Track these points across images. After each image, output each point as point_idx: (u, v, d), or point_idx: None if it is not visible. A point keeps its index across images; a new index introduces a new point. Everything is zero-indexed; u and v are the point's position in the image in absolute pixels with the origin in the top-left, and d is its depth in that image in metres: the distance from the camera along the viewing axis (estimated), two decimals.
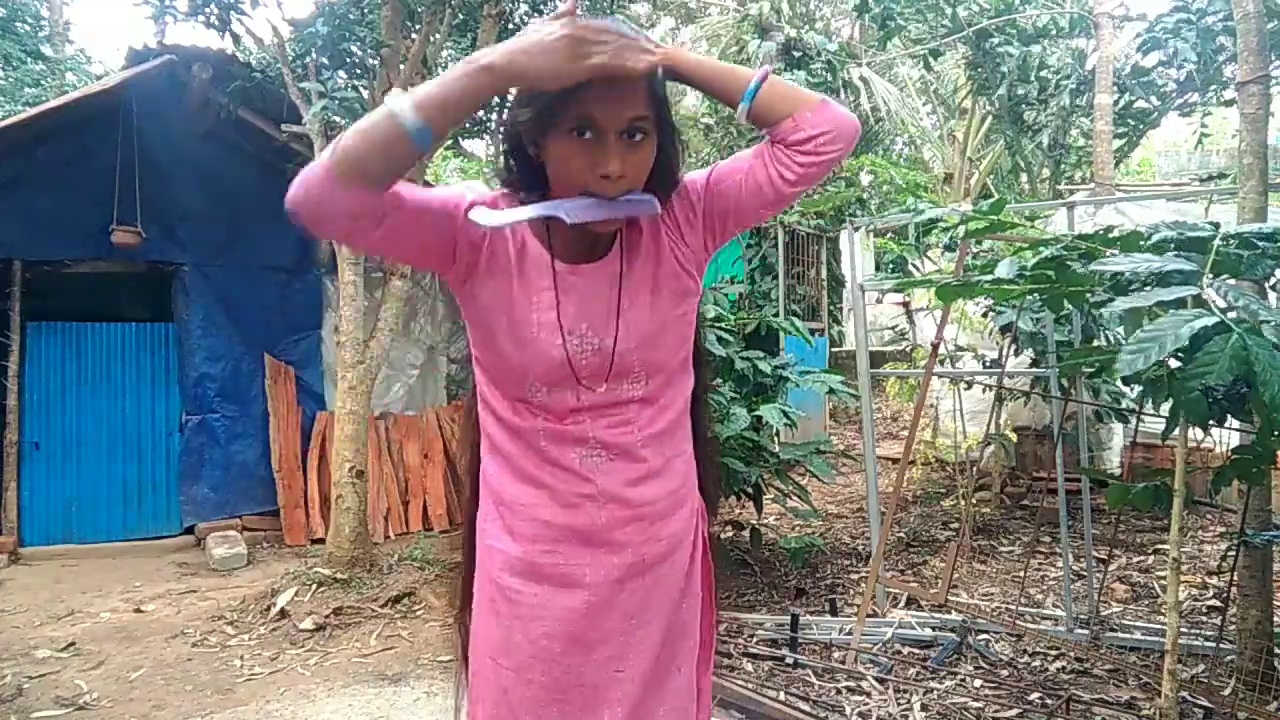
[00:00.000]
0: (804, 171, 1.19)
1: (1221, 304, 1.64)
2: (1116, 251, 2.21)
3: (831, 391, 4.53)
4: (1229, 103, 7.12)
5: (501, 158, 1.26)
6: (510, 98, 1.19)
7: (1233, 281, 1.82)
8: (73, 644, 4.06)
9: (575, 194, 1.13)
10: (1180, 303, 1.68)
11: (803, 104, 1.19)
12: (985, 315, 5.44)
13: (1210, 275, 1.75)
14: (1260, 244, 1.90)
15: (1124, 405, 4.38)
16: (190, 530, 6.19)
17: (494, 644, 1.27)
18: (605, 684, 1.24)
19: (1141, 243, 2.08)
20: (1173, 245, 1.96)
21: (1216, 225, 2.01)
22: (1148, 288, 1.82)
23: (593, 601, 1.23)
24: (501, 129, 1.29)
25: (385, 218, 1.08)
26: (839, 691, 3.02)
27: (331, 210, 1.04)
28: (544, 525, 1.23)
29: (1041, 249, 2.58)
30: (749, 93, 1.18)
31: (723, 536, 4.89)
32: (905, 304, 10.64)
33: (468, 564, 1.41)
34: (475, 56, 1.06)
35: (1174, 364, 1.81)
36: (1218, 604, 3.66)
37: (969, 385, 5.68)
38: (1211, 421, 2.15)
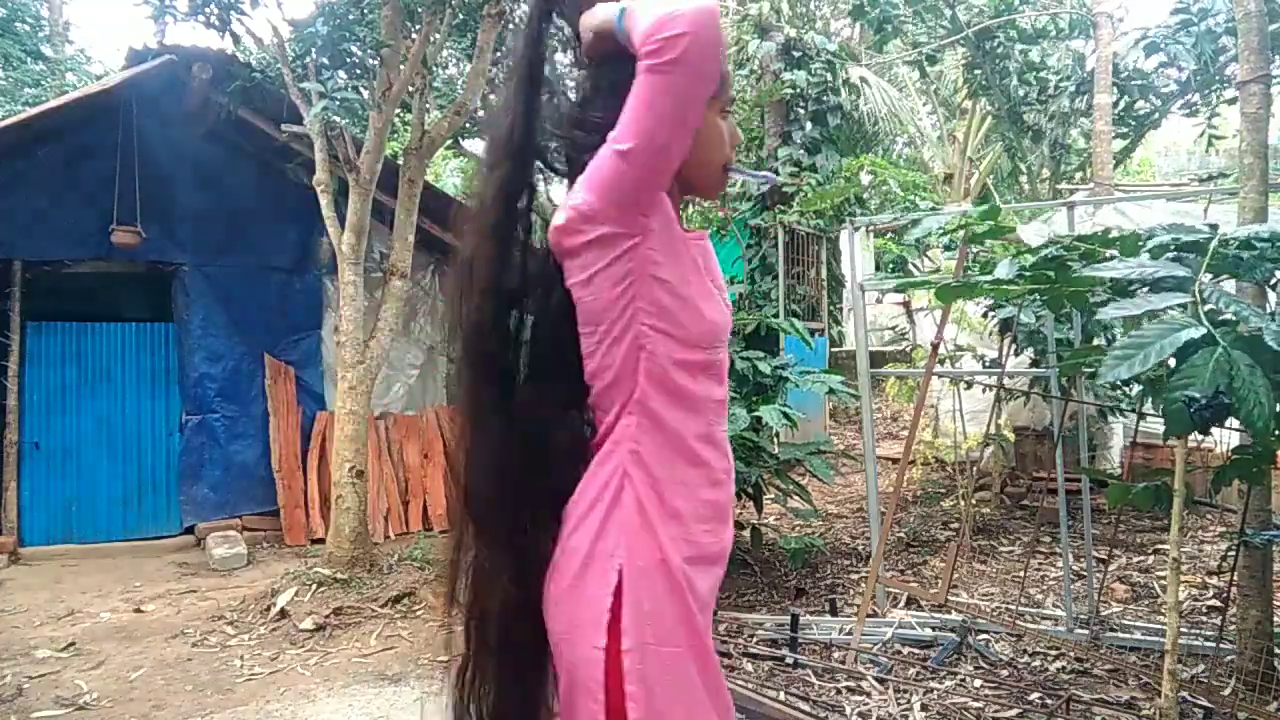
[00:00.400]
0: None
1: (1214, 308, 1.64)
2: (1115, 252, 2.21)
3: (831, 391, 4.53)
4: (1232, 101, 7.12)
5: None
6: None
7: (1232, 284, 1.82)
8: (73, 644, 4.05)
9: (716, 167, 1.23)
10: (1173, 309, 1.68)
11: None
12: (985, 315, 5.44)
13: (1206, 278, 1.75)
14: (1259, 245, 1.90)
15: (1123, 405, 4.38)
16: (190, 530, 6.19)
17: (681, 632, 1.21)
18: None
19: (1139, 244, 2.08)
20: (1172, 249, 1.96)
21: (1215, 227, 2.01)
22: (1143, 291, 1.83)
23: (720, 575, 1.29)
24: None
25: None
26: (839, 691, 3.02)
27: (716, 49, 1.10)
28: (704, 504, 1.25)
29: (1041, 249, 2.58)
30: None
31: None
32: (905, 304, 10.65)
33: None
34: None
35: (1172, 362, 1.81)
36: (1218, 604, 3.66)
37: (969, 385, 5.68)
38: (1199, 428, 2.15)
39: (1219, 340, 1.52)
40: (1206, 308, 1.63)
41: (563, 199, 1.23)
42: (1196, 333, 1.54)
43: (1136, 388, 3.20)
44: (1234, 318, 1.60)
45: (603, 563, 1.20)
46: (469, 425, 1.33)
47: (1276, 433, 2.11)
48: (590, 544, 1.22)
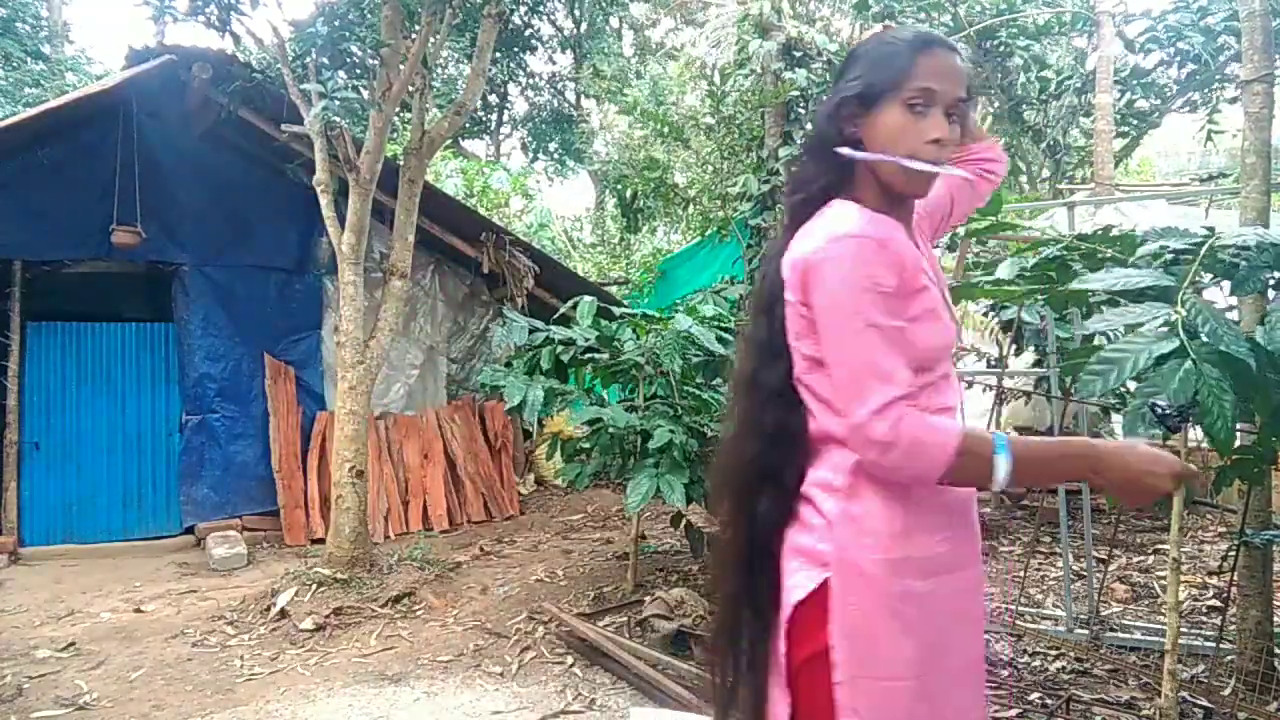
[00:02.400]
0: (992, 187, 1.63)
1: (1191, 321, 1.65)
2: (1115, 251, 2.21)
3: None
4: (1233, 100, 7.12)
5: (807, 155, 1.34)
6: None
7: (1218, 294, 1.83)
8: (73, 644, 4.05)
9: (898, 164, 1.24)
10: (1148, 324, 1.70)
11: None
12: (986, 314, 5.44)
13: (1191, 287, 1.77)
14: (1248, 256, 1.91)
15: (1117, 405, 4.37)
16: (190, 530, 6.19)
17: (911, 662, 1.18)
18: (980, 656, 1.30)
19: (1136, 247, 2.08)
20: (1169, 255, 1.96)
21: (1211, 230, 2.01)
22: (1127, 303, 1.84)
23: (973, 577, 1.28)
24: (812, 119, 1.33)
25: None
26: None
27: (914, 480, 1.18)
28: (931, 513, 1.23)
29: (1042, 249, 2.58)
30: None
31: None
32: None
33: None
34: (1088, 458, 1.16)
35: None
36: (1218, 604, 3.66)
37: (969, 385, 5.68)
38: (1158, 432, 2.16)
39: (1190, 353, 1.56)
40: (1183, 320, 1.65)
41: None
42: (1170, 345, 1.57)
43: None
44: (1207, 337, 1.62)
45: (810, 569, 1.24)
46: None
47: (1274, 438, 2.11)
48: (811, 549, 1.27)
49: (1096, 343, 3.62)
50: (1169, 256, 1.96)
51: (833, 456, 1.24)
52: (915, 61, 1.22)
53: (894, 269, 1.18)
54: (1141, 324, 1.65)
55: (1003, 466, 1.12)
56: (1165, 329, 1.61)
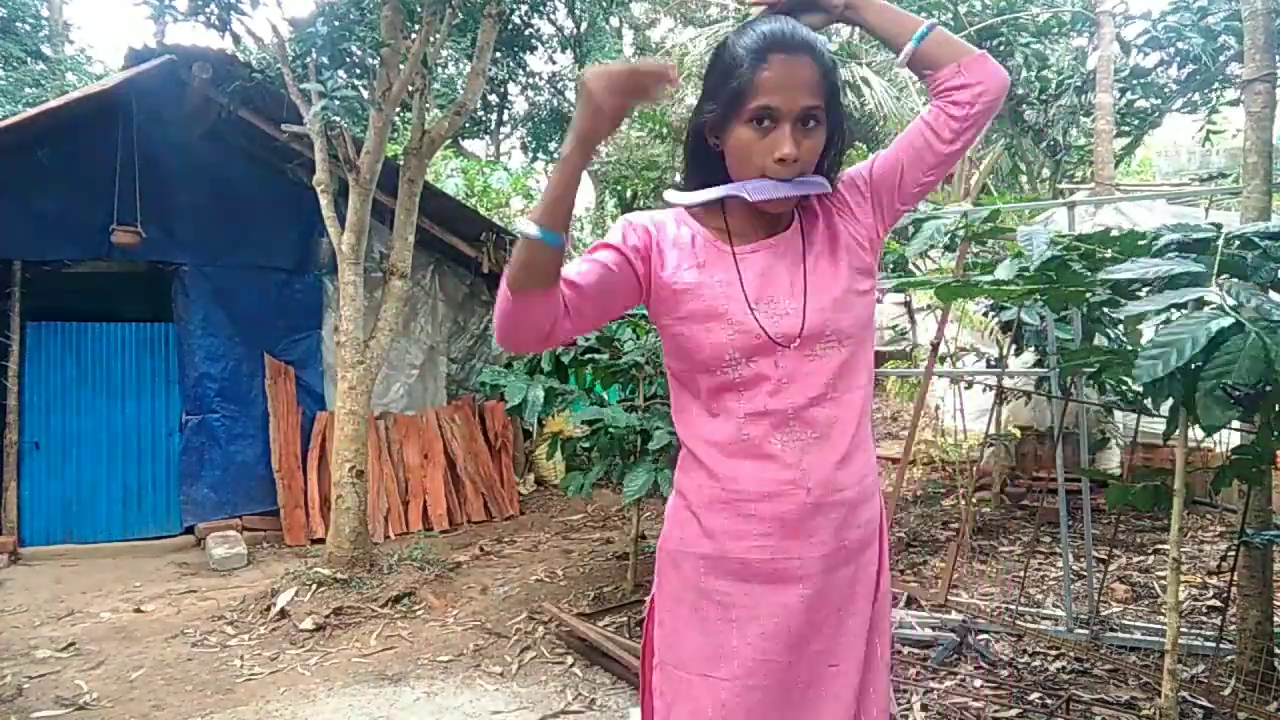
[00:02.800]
0: (960, 125, 1.28)
1: (1232, 303, 1.63)
2: (1115, 251, 2.21)
3: None
4: (1234, 103, 7.12)
5: (683, 156, 1.36)
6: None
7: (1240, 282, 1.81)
8: (73, 644, 4.05)
9: (753, 178, 1.23)
10: (1197, 302, 1.67)
11: (964, 53, 1.30)
12: (986, 314, 5.44)
13: (1217, 277, 1.75)
14: (1264, 244, 1.90)
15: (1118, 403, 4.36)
16: (190, 530, 6.19)
17: (703, 657, 1.23)
18: (819, 679, 1.24)
19: (1141, 244, 2.08)
20: (1175, 248, 1.96)
21: (1218, 226, 2.01)
22: (1153, 291, 1.82)
23: (806, 594, 1.23)
24: (684, 130, 1.37)
25: (571, 307, 1.18)
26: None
27: (529, 322, 1.16)
28: (752, 520, 1.23)
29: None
30: (918, 36, 1.30)
31: None
32: (906, 303, 10.63)
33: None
34: (564, 150, 1.16)
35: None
36: (1218, 604, 3.66)
37: (969, 385, 5.68)
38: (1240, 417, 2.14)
39: (1250, 327, 1.51)
40: (1230, 302, 1.63)
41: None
42: (1226, 321, 1.53)
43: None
44: (1256, 313, 1.59)
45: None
46: None
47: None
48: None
49: (1099, 341, 3.62)
50: (1174, 252, 1.96)
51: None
52: (754, 77, 1.19)
53: (634, 235, 1.28)
54: (1185, 304, 1.63)
55: (522, 221, 1.14)
56: (1213, 309, 1.58)
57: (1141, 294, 2.04)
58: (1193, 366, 1.60)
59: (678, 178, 1.37)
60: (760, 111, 1.19)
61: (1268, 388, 1.49)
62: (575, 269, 1.21)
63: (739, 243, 1.29)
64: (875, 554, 1.34)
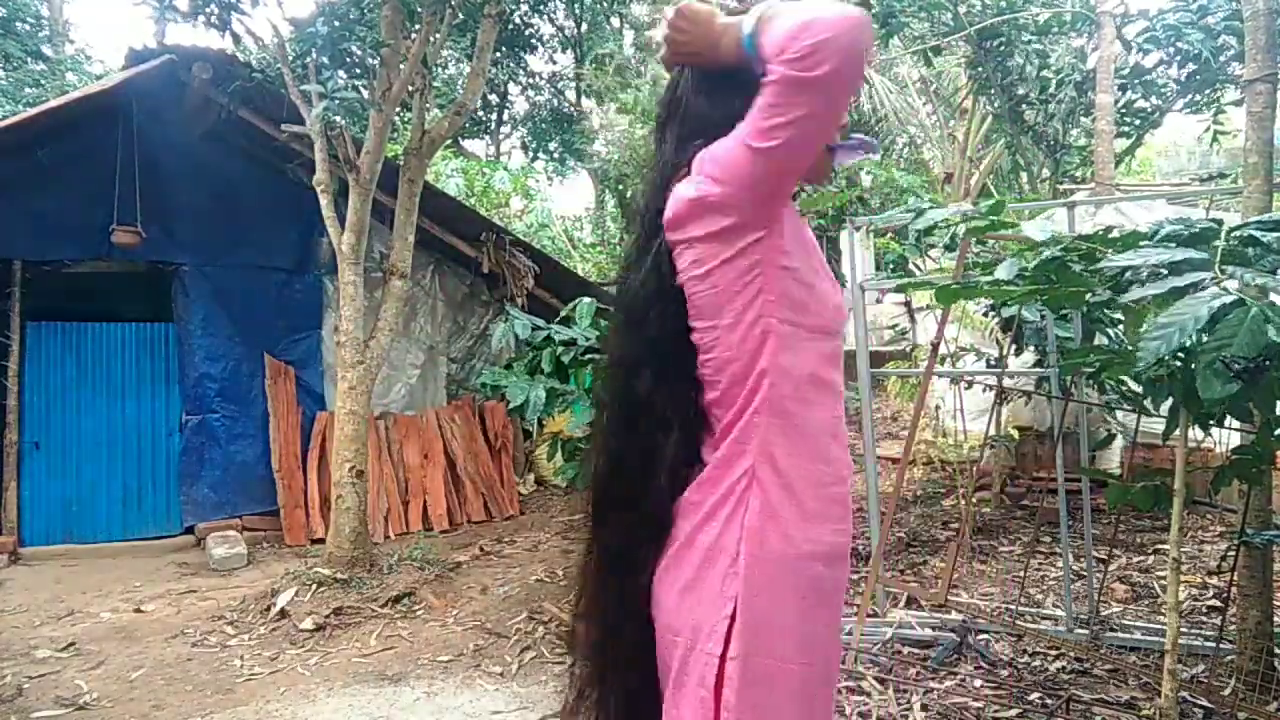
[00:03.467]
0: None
1: (1235, 285, 1.63)
2: (1116, 251, 2.20)
3: None
4: (1236, 102, 7.11)
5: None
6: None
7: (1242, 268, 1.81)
8: (73, 644, 4.06)
9: (821, 152, 1.25)
10: (1195, 289, 1.67)
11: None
12: (986, 314, 5.44)
13: (1220, 265, 1.74)
14: (1265, 237, 1.89)
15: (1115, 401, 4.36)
16: (190, 530, 6.19)
17: (793, 644, 1.18)
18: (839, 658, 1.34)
19: (1145, 240, 2.08)
20: (1177, 242, 1.95)
21: (1220, 222, 2.01)
22: (1158, 280, 1.81)
23: (847, 572, 1.29)
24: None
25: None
26: (839, 691, 3.02)
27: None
28: (837, 502, 1.24)
29: (1042, 250, 2.57)
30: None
31: None
32: (906, 303, 10.64)
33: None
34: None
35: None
36: (1218, 604, 3.66)
37: (969, 385, 5.68)
38: (1211, 421, 2.14)
39: (1251, 302, 1.51)
40: (1232, 283, 1.62)
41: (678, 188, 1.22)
42: (1228, 298, 1.53)
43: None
44: (1259, 291, 1.58)
45: (727, 562, 1.18)
46: (603, 426, 1.35)
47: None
48: (715, 540, 1.19)
49: (1099, 340, 3.63)
50: (1174, 245, 1.95)
51: (728, 446, 1.21)
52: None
53: None
54: (1188, 287, 1.62)
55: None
56: (1217, 289, 1.58)
57: (1140, 286, 2.03)
58: (1190, 348, 1.61)
59: None
60: None
61: (1267, 362, 1.48)
62: None
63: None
64: None
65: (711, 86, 1.25)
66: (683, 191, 1.20)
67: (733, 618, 1.16)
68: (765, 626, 1.17)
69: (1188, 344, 1.59)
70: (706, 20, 1.21)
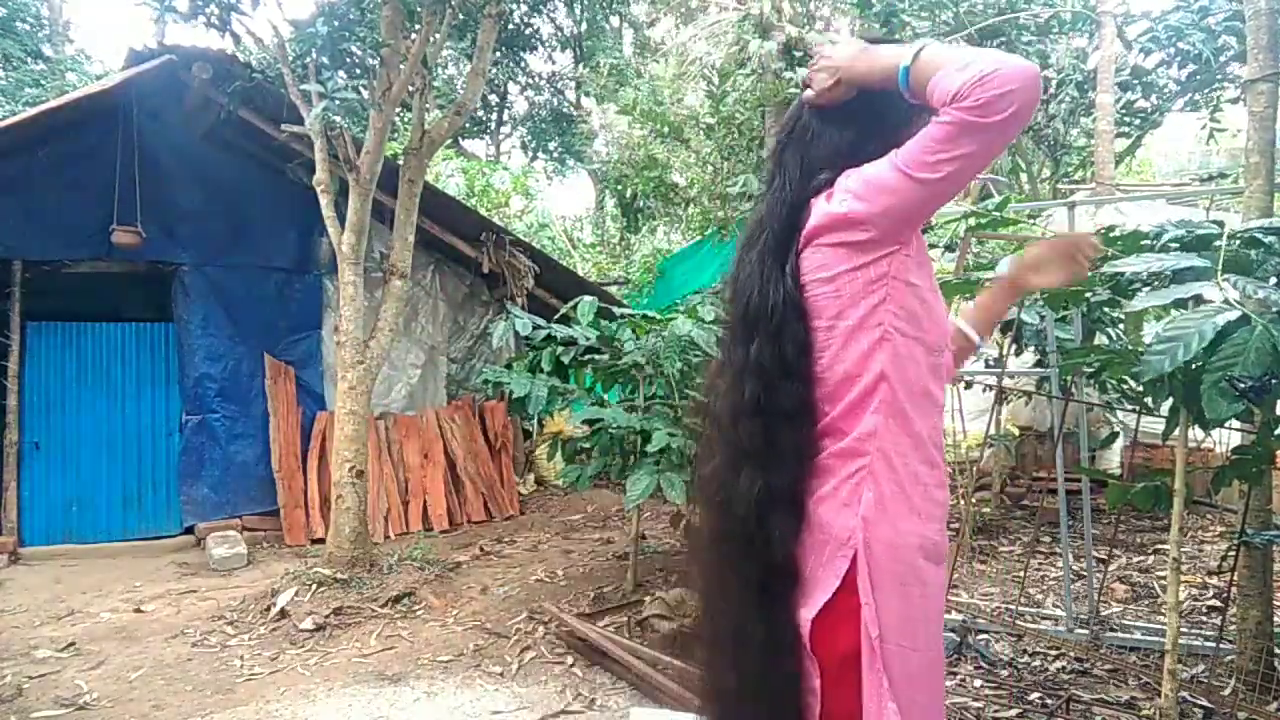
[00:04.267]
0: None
1: (1236, 296, 1.62)
2: (1116, 251, 2.20)
3: None
4: (1234, 101, 7.11)
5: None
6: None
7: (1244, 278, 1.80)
8: (73, 644, 4.05)
9: None
10: (1196, 299, 1.67)
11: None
12: None
13: (1222, 273, 1.74)
14: (1267, 240, 1.89)
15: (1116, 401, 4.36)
16: (190, 530, 6.19)
17: (896, 628, 1.26)
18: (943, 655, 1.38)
19: (1144, 244, 2.08)
20: (1178, 245, 1.95)
21: (1220, 224, 2.01)
22: (1158, 287, 1.81)
23: (944, 569, 1.36)
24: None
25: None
26: None
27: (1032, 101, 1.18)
28: (939, 505, 1.33)
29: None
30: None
31: None
32: None
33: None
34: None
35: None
36: (1218, 604, 3.66)
37: (969, 385, 5.67)
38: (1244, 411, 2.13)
39: (1257, 319, 1.51)
40: (1234, 295, 1.62)
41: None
42: (1233, 314, 1.53)
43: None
44: (1262, 305, 1.58)
45: (835, 546, 1.28)
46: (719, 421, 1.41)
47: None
48: (827, 521, 1.29)
49: (1099, 340, 3.62)
50: (1177, 249, 1.95)
51: (849, 442, 1.29)
52: (911, 113, 1.32)
53: None
54: (1191, 298, 1.63)
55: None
56: (1220, 304, 1.58)
57: (1142, 292, 2.03)
58: (1193, 367, 1.60)
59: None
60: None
61: (1274, 380, 1.48)
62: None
63: None
64: None
65: (835, 118, 1.37)
66: (827, 206, 1.30)
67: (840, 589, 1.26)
68: (878, 608, 1.26)
69: (1191, 360, 1.59)
70: (850, 58, 1.32)
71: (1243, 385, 1.41)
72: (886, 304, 1.27)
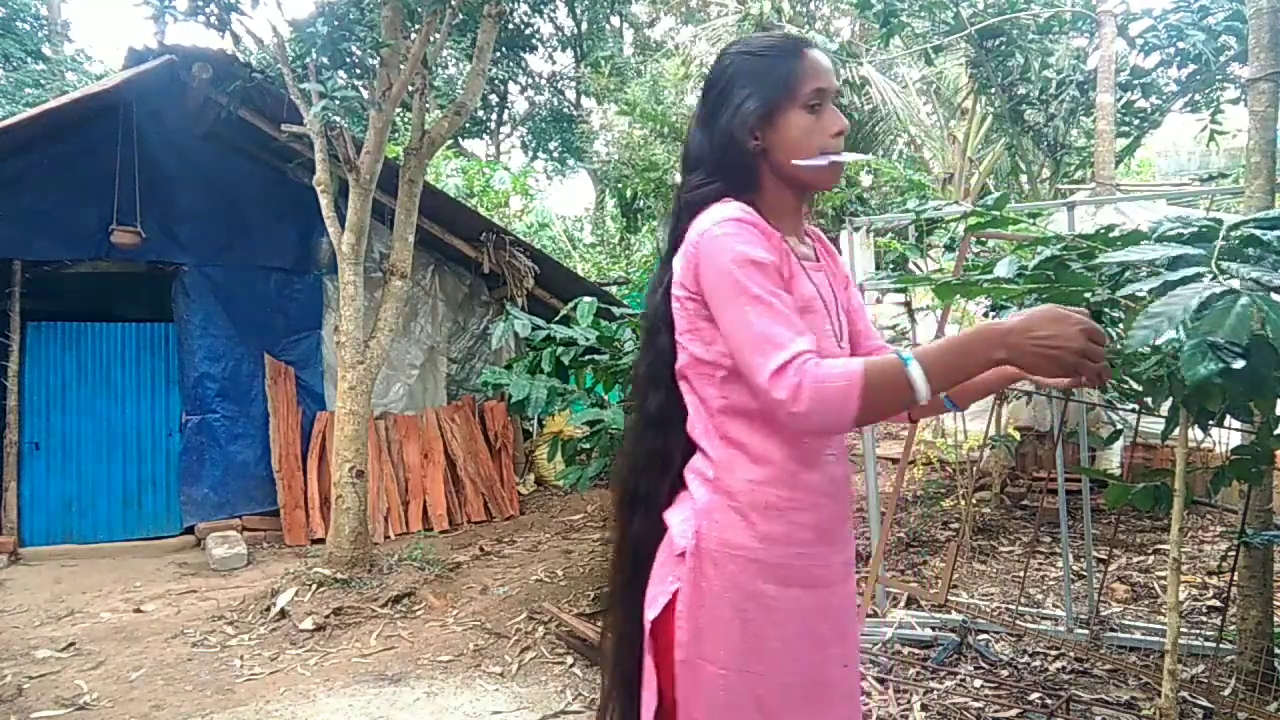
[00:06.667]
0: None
1: (1236, 284, 1.63)
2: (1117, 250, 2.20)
3: None
4: (1235, 101, 7.11)
5: (707, 166, 1.34)
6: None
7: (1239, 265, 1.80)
8: (73, 644, 4.06)
9: (809, 159, 1.30)
10: (1189, 282, 1.67)
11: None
12: (986, 315, 5.44)
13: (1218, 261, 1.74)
14: (1266, 235, 1.89)
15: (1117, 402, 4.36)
16: (190, 530, 6.19)
17: (741, 653, 1.25)
18: (838, 679, 1.31)
19: (1145, 238, 2.08)
20: (1176, 240, 1.95)
21: (1220, 221, 2.01)
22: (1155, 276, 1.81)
23: (828, 598, 1.30)
24: (716, 135, 1.35)
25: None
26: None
27: (836, 429, 1.19)
28: (799, 527, 1.27)
29: (1042, 248, 2.57)
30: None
31: None
32: (906, 303, 10.63)
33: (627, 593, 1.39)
34: (991, 337, 1.12)
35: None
36: (1218, 604, 3.66)
37: None
38: (1211, 422, 2.14)
39: (1244, 292, 1.51)
40: (1234, 282, 1.62)
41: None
42: (1219, 288, 1.53)
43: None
44: (1255, 284, 1.58)
45: (676, 550, 1.29)
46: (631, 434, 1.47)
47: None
48: (674, 544, 1.30)
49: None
50: (1177, 244, 1.95)
51: (700, 460, 1.31)
52: (801, 65, 1.30)
53: (773, 251, 1.25)
54: (1181, 281, 1.62)
55: (918, 375, 1.11)
56: (1209, 281, 1.58)
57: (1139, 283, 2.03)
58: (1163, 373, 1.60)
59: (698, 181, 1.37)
60: (815, 95, 1.29)
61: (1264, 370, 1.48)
62: (802, 331, 1.19)
63: (804, 260, 1.35)
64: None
65: (702, 121, 1.37)
66: (684, 249, 1.28)
67: (674, 598, 1.27)
68: (700, 627, 1.26)
69: (1177, 332, 1.59)
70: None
71: (1227, 357, 1.42)
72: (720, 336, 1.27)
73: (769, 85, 1.29)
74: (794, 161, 1.29)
